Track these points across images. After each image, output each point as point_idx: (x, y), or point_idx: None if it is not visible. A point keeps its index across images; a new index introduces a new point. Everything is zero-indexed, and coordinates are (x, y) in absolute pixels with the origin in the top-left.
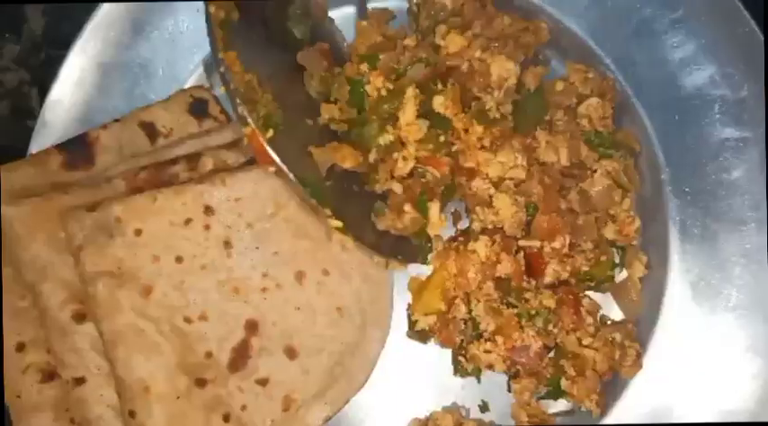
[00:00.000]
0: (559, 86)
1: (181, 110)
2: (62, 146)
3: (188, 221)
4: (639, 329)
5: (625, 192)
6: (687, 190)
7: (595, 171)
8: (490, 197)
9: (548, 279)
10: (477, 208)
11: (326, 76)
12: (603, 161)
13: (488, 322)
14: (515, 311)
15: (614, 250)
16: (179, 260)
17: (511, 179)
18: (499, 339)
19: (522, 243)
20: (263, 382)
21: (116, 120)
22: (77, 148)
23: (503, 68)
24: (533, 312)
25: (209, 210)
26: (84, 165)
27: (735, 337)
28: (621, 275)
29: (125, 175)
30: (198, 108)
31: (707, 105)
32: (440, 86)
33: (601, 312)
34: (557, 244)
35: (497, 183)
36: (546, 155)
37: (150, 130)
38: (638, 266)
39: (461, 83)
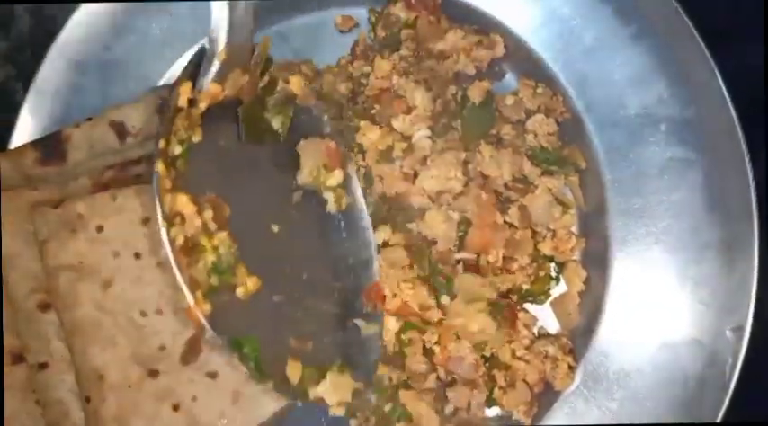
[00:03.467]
0: (509, 101)
1: (150, 109)
2: (37, 143)
3: (146, 220)
4: (575, 342)
5: (566, 209)
6: (629, 209)
7: (537, 186)
8: (423, 212)
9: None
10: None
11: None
12: (545, 177)
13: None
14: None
15: (552, 264)
16: (137, 256)
17: (448, 192)
18: (437, 348)
19: (457, 256)
20: (212, 375)
21: (88, 119)
22: (51, 145)
23: (412, 96)
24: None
25: None
26: (57, 162)
27: (667, 353)
28: (561, 288)
29: (91, 173)
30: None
31: (653, 124)
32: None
33: (539, 324)
34: (490, 258)
35: (435, 197)
36: (489, 169)
37: (120, 129)
38: (576, 281)
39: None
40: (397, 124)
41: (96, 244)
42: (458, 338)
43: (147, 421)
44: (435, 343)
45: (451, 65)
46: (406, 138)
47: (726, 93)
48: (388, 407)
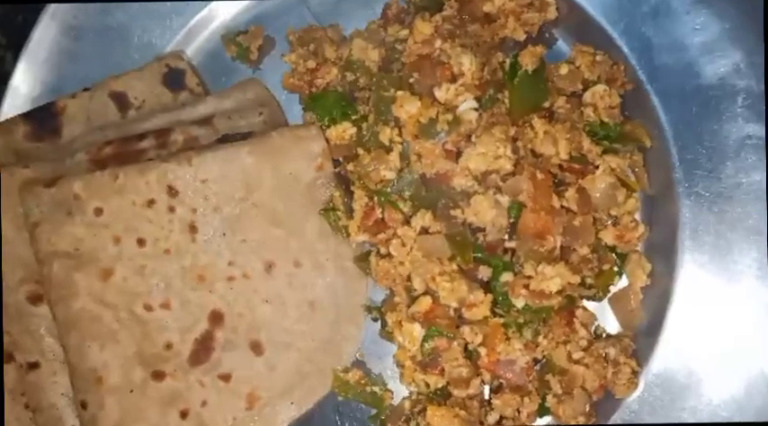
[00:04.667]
0: (563, 70)
1: (155, 80)
2: (28, 116)
3: (151, 202)
4: (639, 344)
5: (630, 192)
6: (701, 192)
7: (598, 167)
8: (469, 195)
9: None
10: (457, 209)
11: None
12: (607, 156)
13: (476, 332)
14: (502, 321)
15: (614, 256)
16: (141, 243)
17: (497, 172)
18: (482, 350)
19: (508, 245)
20: (225, 377)
21: (86, 89)
22: (43, 118)
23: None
24: (522, 321)
25: (173, 191)
26: (50, 136)
27: (745, 355)
28: (621, 283)
29: (89, 149)
30: (173, 79)
31: (729, 97)
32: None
33: (596, 323)
34: (547, 247)
35: (482, 178)
36: (543, 147)
37: (121, 101)
38: (640, 275)
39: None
40: (440, 94)
41: (95, 229)
42: (507, 338)
43: None
44: (480, 345)
45: (498, 29)
46: (450, 110)
47: None
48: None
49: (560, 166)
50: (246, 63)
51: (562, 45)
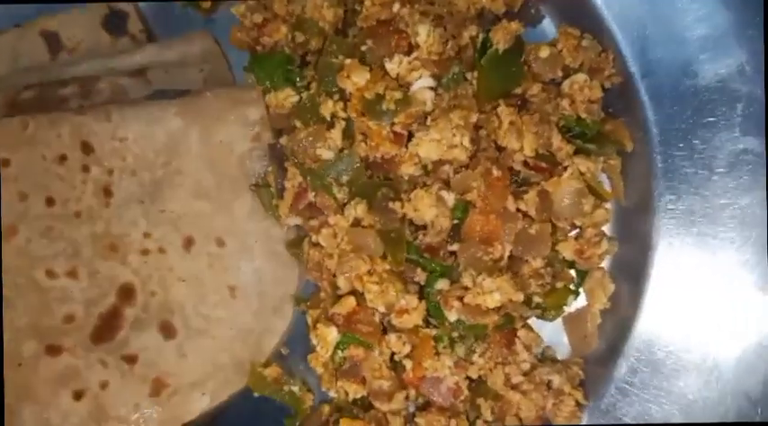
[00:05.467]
0: (543, 53)
1: (95, 22)
2: None
3: (63, 158)
4: (590, 372)
5: (599, 202)
6: (682, 210)
7: (566, 168)
8: (413, 188)
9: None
10: (397, 202)
11: None
12: (578, 157)
13: (403, 342)
14: (434, 333)
15: (572, 271)
16: (50, 202)
17: (450, 163)
18: (408, 363)
19: (451, 248)
20: (131, 359)
21: (16, 26)
22: None
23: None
24: (455, 336)
25: (87, 148)
26: None
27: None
28: (580, 301)
29: (6, 92)
30: (114, 22)
31: (729, 102)
32: None
33: (542, 345)
34: (494, 255)
35: (433, 169)
36: (506, 140)
37: (52, 42)
38: (600, 296)
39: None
40: (390, 66)
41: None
42: (437, 353)
43: (39, 409)
44: (406, 357)
45: None
46: (403, 87)
47: None
48: None
49: (526, 164)
50: (198, 11)
51: (548, 24)
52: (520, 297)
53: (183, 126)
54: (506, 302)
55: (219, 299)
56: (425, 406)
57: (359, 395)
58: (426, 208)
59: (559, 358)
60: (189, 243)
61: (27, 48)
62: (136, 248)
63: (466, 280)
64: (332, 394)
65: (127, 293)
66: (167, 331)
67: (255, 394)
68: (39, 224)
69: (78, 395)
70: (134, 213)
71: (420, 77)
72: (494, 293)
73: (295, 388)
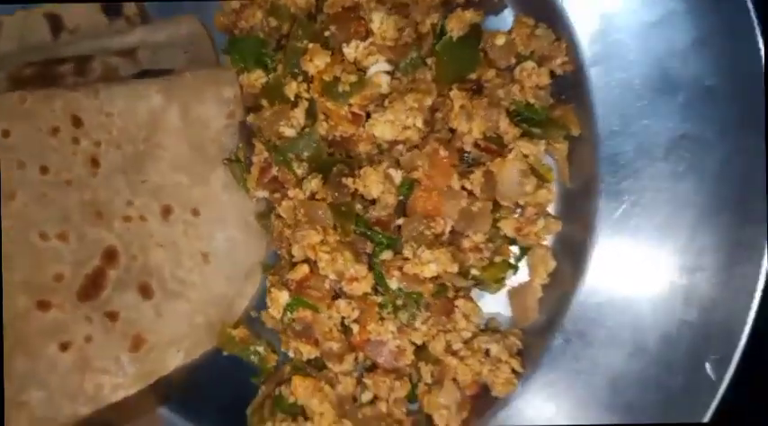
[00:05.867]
0: (499, 41)
1: (95, 5)
2: None
3: (56, 130)
4: (529, 340)
5: (542, 182)
6: (623, 192)
7: (511, 150)
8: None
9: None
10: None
11: None
12: (522, 141)
13: (352, 308)
14: (379, 299)
15: (516, 248)
16: (44, 170)
17: (403, 143)
18: (355, 327)
19: (398, 222)
20: (113, 316)
21: (24, 8)
22: None
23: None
24: (399, 304)
25: (77, 122)
26: None
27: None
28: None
29: (10, 69)
30: (112, 5)
31: (671, 90)
32: None
33: (483, 314)
34: (435, 229)
35: (388, 148)
36: (456, 122)
37: (55, 23)
38: (541, 272)
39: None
40: (347, 51)
41: (2, 151)
42: (381, 319)
43: (28, 358)
44: (354, 321)
45: None
46: (360, 71)
47: None
48: (277, 391)
49: (477, 145)
50: None
51: (510, 14)
52: (454, 268)
53: (164, 103)
54: (441, 272)
55: (194, 265)
56: (373, 368)
57: (312, 356)
58: (374, 184)
59: (504, 329)
60: (167, 211)
61: (32, 28)
62: (119, 215)
63: (407, 252)
64: (290, 354)
65: (110, 256)
66: (146, 292)
67: (225, 353)
68: (34, 190)
69: (64, 347)
70: (118, 183)
71: (376, 62)
72: (431, 264)
73: (260, 349)
